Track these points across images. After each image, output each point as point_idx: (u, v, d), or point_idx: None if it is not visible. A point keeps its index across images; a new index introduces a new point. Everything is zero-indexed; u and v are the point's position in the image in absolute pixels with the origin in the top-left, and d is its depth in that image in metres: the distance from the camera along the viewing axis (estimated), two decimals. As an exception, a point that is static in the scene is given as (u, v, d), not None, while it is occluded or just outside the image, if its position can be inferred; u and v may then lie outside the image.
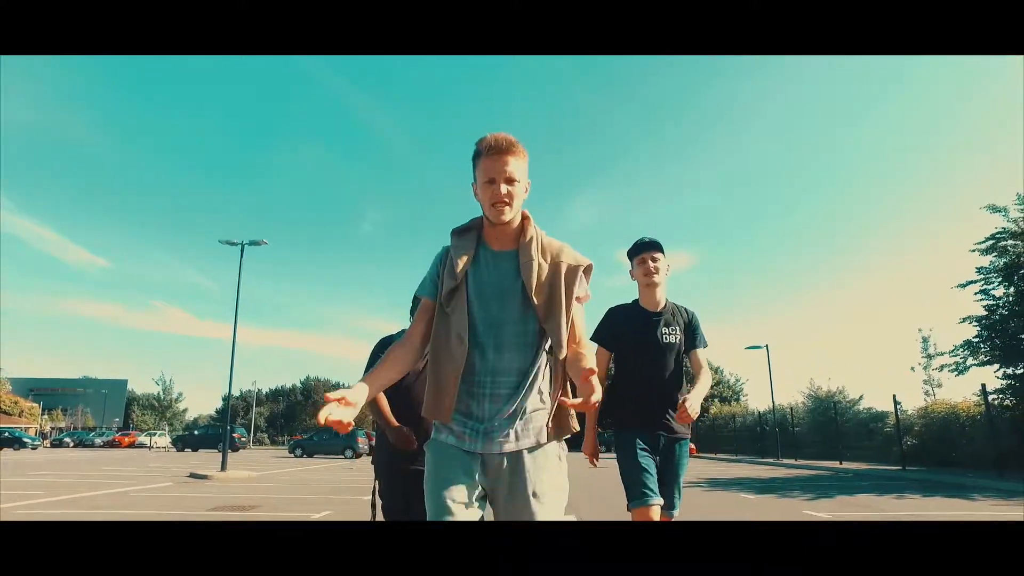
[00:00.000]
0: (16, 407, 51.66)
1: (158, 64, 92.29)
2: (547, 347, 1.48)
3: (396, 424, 2.50)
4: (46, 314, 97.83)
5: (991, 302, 14.91)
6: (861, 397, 23.47)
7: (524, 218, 1.52)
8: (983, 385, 12.40)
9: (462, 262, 1.47)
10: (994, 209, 14.66)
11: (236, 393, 73.47)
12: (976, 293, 15.09)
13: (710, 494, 9.80)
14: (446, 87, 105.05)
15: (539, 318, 1.44)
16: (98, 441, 43.98)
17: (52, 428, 55.44)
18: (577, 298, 1.50)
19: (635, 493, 2.39)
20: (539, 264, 1.46)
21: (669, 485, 2.50)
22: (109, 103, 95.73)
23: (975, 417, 14.98)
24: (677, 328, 2.61)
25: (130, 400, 74.11)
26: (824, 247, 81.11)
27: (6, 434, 35.42)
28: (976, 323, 15.07)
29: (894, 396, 15.46)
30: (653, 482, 2.40)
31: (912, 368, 24.58)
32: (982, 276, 15.02)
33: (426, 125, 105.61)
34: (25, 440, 35.90)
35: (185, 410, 53.94)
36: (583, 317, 1.54)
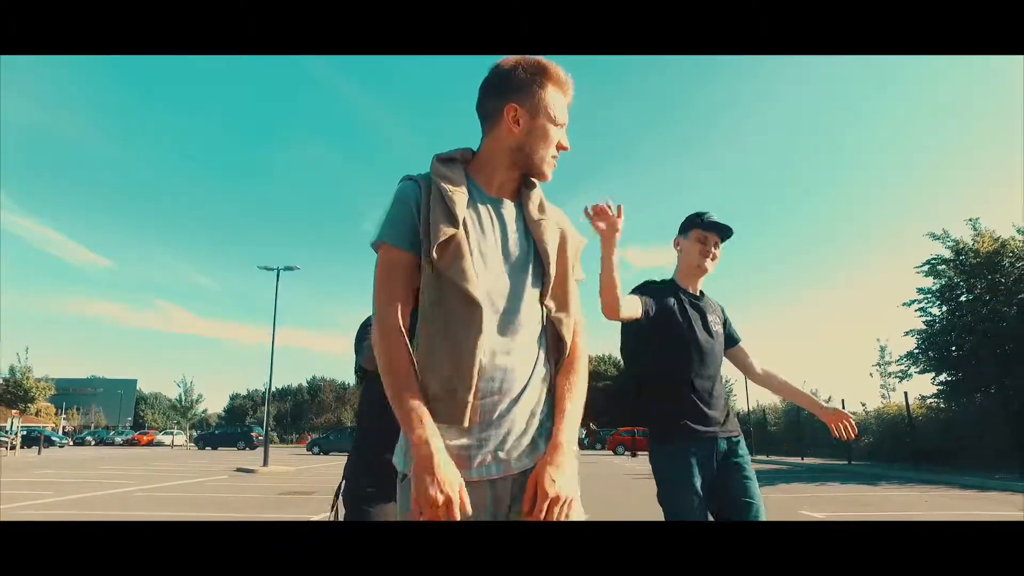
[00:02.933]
0: (33, 407, 53.92)
1: (159, 64, 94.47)
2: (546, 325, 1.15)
3: None
4: (48, 314, 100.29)
5: (929, 318, 17.17)
6: (830, 399, 25.73)
7: None
8: (905, 393, 14.74)
9: (460, 200, 1.07)
10: (934, 236, 16.88)
11: (243, 392, 75.89)
12: (916, 311, 17.37)
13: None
14: (446, 86, 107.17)
15: (548, 291, 1.12)
16: (118, 440, 46.20)
17: (70, 427, 57.56)
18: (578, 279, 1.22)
19: None
20: (550, 225, 1.15)
21: (747, 495, 2.00)
22: (110, 102, 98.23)
23: (917, 418, 17.36)
24: (720, 318, 2.27)
25: (137, 399, 76.54)
26: (807, 252, 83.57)
27: (36, 433, 37.56)
28: (917, 336, 17.34)
29: (842, 400, 17.80)
30: (705, 515, 1.97)
31: (871, 374, 26.97)
32: (922, 296, 17.27)
33: (426, 123, 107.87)
34: (53, 439, 38.11)
35: (205, 411, 56.06)
36: (578, 303, 1.19)
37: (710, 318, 2.18)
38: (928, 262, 16.82)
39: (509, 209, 1.16)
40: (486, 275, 1.07)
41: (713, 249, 2.19)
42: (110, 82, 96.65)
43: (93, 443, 45.83)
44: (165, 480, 12.38)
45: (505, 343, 1.06)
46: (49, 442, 37.13)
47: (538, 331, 1.12)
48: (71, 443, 45.03)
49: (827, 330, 74.54)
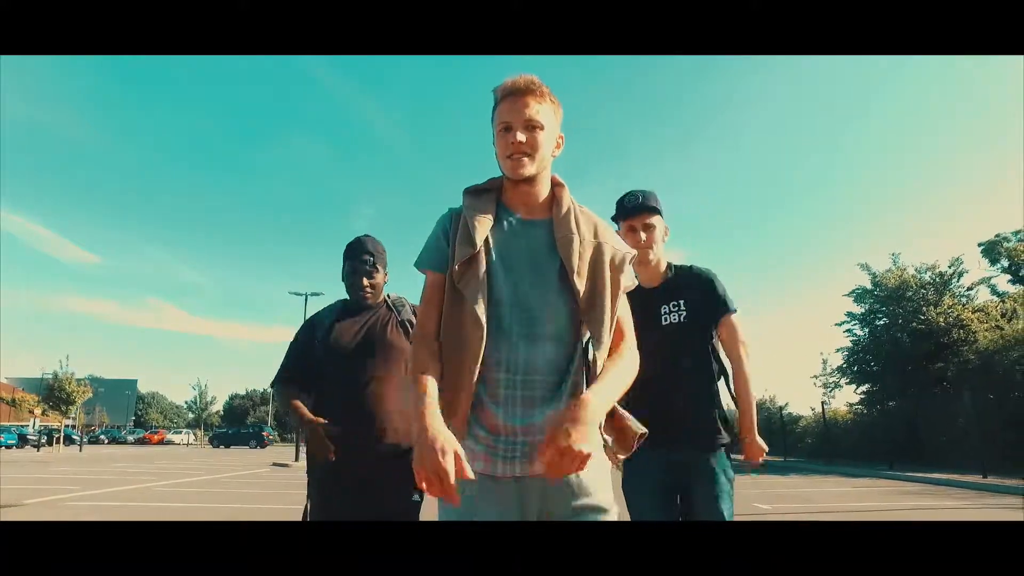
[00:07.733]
0: (72, 409, 55.68)
1: (151, 63, 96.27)
2: (585, 343, 1.21)
3: (314, 420, 1.88)
4: (38, 311, 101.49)
5: (855, 338, 20.47)
6: (787, 404, 29.18)
7: (557, 185, 1.29)
8: (823, 403, 18.04)
9: (481, 225, 1.20)
10: (862, 268, 20.09)
11: (242, 392, 78.19)
12: (844, 332, 20.70)
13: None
14: (441, 84, 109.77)
15: (580, 307, 1.18)
16: (130, 439, 48.62)
17: (79, 427, 59.57)
18: (624, 288, 1.25)
19: None
20: (579, 240, 1.21)
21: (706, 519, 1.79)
22: (101, 99, 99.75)
23: (846, 422, 20.74)
24: (683, 301, 1.93)
25: (136, 399, 78.74)
26: (785, 260, 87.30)
27: (77, 432, 39.58)
28: (845, 353, 20.65)
29: (781, 406, 21.09)
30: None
31: (815, 383, 30.44)
32: (849, 319, 20.56)
33: (421, 121, 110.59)
34: (73, 437, 40.50)
35: (218, 412, 58.49)
36: (630, 316, 1.29)
37: (665, 308, 1.95)
38: (854, 290, 20.13)
39: (539, 226, 1.24)
40: (508, 287, 1.18)
41: (643, 233, 1.95)
42: (100, 80, 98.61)
43: (106, 441, 48.11)
44: (222, 472, 15.08)
45: (527, 351, 1.15)
46: (70, 440, 39.42)
47: (570, 342, 1.19)
48: (87, 441, 47.31)
49: (788, 340, 78.37)
